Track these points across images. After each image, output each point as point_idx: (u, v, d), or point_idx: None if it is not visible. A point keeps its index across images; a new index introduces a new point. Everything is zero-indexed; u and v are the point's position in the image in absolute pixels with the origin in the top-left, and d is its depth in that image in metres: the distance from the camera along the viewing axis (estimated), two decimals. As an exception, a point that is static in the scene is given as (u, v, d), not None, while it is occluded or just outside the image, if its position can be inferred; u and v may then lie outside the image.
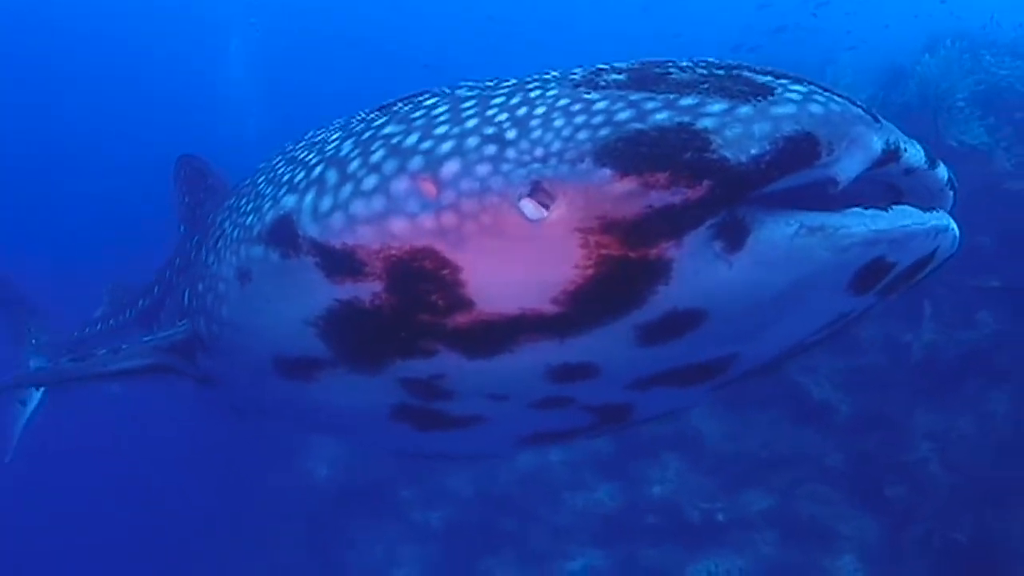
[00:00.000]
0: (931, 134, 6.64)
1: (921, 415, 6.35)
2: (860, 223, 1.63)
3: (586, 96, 1.71)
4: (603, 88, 1.72)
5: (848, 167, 1.61)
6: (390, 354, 1.92)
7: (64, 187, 17.62)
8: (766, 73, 1.73)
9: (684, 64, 1.79)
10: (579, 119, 1.66)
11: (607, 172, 1.58)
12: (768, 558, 6.54)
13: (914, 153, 1.73)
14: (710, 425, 6.94)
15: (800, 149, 1.57)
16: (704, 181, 1.54)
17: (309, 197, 1.89)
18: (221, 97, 21.02)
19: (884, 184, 1.79)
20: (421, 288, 1.74)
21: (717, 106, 1.61)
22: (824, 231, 1.61)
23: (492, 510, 7.58)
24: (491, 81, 1.99)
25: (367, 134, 1.94)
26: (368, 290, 1.79)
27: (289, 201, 1.94)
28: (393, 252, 1.73)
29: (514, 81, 1.91)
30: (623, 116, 1.63)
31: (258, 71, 20.89)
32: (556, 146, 1.64)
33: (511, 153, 1.68)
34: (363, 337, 1.91)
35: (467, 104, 1.85)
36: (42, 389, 5.47)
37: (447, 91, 2.01)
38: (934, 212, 1.76)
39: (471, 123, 1.77)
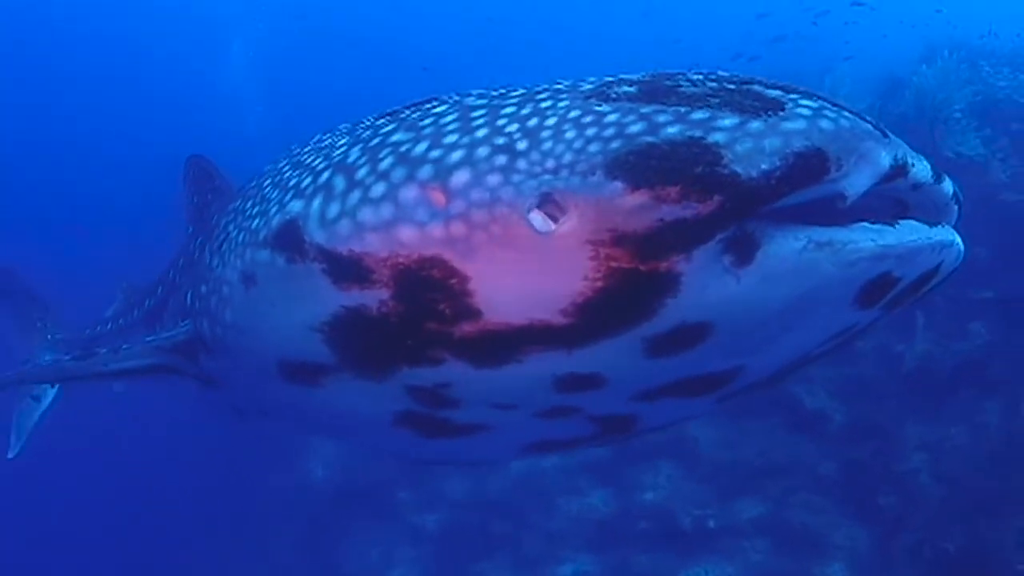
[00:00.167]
0: (928, 145, 6.64)
1: (914, 425, 6.36)
2: (867, 238, 1.64)
3: (597, 108, 1.70)
4: (614, 100, 1.72)
5: (857, 182, 1.62)
6: (396, 362, 1.91)
7: (64, 187, 17.53)
8: (776, 88, 1.74)
9: (695, 77, 1.79)
10: (590, 131, 1.66)
11: (618, 185, 1.58)
12: (758, 565, 6.54)
13: (921, 168, 1.74)
14: (707, 433, 6.94)
15: (810, 165, 1.58)
16: (715, 196, 1.54)
17: (316, 203, 1.88)
18: (222, 97, 20.97)
19: (890, 198, 1.80)
20: (429, 297, 1.73)
21: (728, 120, 1.61)
22: (832, 246, 1.62)
23: (487, 514, 7.58)
24: (500, 90, 1.97)
25: (375, 141, 1.93)
26: (375, 297, 1.78)
27: (296, 206, 1.93)
28: (401, 260, 1.73)
29: (523, 91, 1.90)
30: (634, 129, 1.63)
31: (259, 71, 20.85)
32: (567, 158, 1.64)
33: (522, 164, 1.67)
34: (369, 344, 1.90)
35: (477, 113, 1.84)
36: (57, 386, 5.43)
37: (456, 99, 2.00)
38: (939, 227, 1.78)
39: (481, 133, 1.76)
